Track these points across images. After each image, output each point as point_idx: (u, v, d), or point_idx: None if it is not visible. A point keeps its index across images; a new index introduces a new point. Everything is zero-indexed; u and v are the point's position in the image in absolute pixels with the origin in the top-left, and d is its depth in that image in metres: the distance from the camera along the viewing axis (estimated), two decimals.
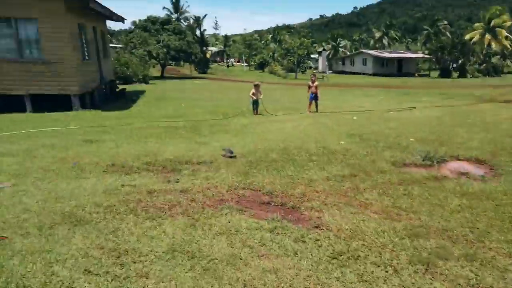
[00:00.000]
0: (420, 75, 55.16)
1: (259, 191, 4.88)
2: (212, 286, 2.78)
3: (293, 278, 2.91)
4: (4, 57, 11.41)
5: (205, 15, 71.04)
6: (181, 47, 35.07)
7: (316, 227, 3.83)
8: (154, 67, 36.84)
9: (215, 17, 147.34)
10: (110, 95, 17.55)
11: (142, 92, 20.06)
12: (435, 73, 53.51)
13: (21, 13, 11.20)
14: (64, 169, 5.55)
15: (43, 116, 11.07)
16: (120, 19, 17.48)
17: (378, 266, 3.09)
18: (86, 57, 13.81)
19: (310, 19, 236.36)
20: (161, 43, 33.93)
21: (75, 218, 3.80)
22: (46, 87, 11.83)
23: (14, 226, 3.55)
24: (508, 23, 54.74)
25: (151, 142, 7.71)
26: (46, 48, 11.56)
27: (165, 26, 36.11)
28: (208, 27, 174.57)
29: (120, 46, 37.98)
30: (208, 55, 58.58)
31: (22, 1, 11.07)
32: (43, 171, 5.37)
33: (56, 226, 3.60)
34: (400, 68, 55.90)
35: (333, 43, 70.45)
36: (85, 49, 13.77)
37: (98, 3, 12.67)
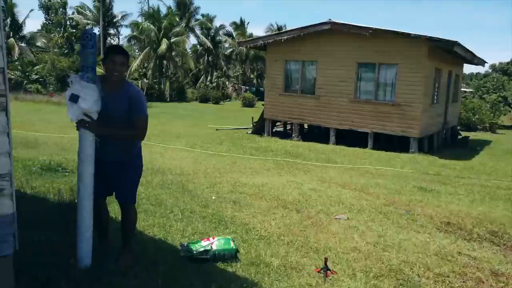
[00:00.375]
0: None
1: None
2: None
3: None
4: (362, 98, 12.93)
5: None
6: None
7: None
8: (505, 114, 31.94)
9: None
10: (450, 142, 16.44)
11: (487, 142, 17.61)
12: None
13: (384, 59, 12.34)
14: (394, 214, 5.35)
15: (380, 154, 11.63)
16: (481, 63, 16.08)
17: None
18: (434, 101, 13.52)
19: None
20: None
21: (401, 276, 3.42)
22: (389, 128, 12.41)
23: (343, 262, 3.59)
24: None
25: (497, 206, 6.32)
26: (398, 91, 12.16)
27: None
28: None
29: (470, 90, 35.48)
30: None
31: (389, 49, 12.16)
32: (375, 212, 5.38)
33: (381, 279, 3.34)
34: None
35: None
36: (435, 93, 13.52)
37: (463, 46, 12.07)
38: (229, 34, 45.71)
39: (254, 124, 15.93)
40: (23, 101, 22.44)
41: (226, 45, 46.02)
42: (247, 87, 44.81)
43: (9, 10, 33.27)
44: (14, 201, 2.24)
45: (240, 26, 45.02)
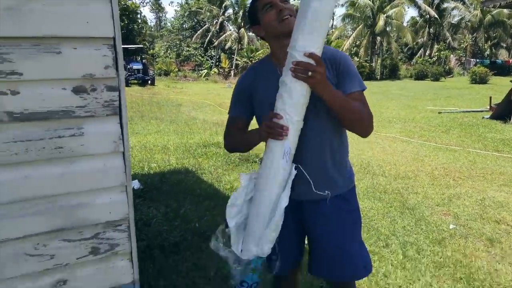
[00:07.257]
0: None
1: None
2: None
3: None
4: None
5: None
6: None
7: None
8: None
9: None
10: None
11: None
12: None
13: None
14: None
15: None
16: None
17: None
18: None
19: None
20: None
21: None
22: None
23: None
24: None
25: None
26: None
27: None
28: None
29: None
30: None
31: None
32: None
33: None
34: None
35: None
36: None
37: None
38: None
39: (494, 106, 12.34)
40: None
41: (455, 12, 39.23)
42: (477, 60, 37.30)
43: (242, 2, 37.44)
44: (135, 263, 1.40)
45: None
